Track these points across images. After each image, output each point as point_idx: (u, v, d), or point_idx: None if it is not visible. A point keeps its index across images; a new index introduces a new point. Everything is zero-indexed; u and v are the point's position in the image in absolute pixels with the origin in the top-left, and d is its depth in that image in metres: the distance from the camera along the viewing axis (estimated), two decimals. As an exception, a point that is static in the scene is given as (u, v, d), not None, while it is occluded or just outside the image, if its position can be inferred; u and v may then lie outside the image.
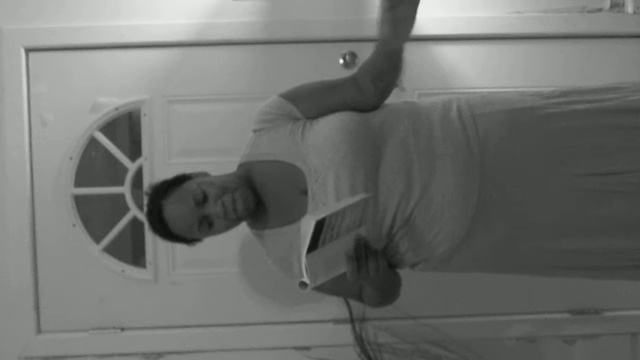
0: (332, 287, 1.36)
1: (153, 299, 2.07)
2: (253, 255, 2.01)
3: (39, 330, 2.05)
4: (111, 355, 2.05)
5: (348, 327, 2.00)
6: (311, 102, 1.36)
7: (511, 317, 2.09)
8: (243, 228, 1.45)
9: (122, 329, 2.06)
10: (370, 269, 1.18)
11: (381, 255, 1.21)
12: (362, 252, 1.18)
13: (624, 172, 1.26)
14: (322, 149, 1.29)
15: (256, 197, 1.36)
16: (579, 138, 1.28)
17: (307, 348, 2.06)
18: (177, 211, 1.33)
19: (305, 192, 1.32)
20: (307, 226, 1.06)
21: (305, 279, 1.10)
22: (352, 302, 1.98)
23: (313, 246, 1.08)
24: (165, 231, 1.36)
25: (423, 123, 1.31)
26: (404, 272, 1.44)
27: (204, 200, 1.31)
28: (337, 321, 2.05)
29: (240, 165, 1.43)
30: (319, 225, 1.06)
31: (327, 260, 1.13)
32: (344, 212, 1.11)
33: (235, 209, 1.31)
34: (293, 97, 1.37)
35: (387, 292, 1.40)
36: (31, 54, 2.03)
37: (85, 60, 2.02)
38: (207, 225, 1.33)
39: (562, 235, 1.29)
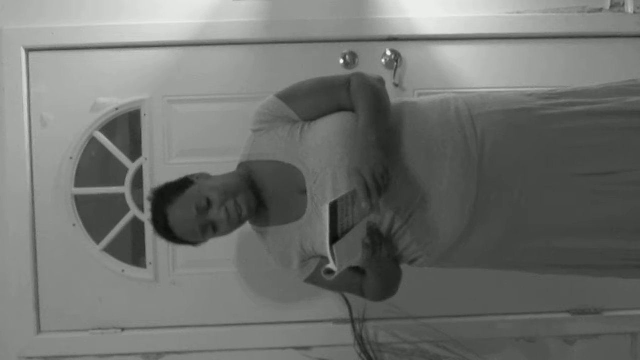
0: (333, 282, 1.38)
1: (153, 299, 2.07)
2: (253, 256, 2.01)
3: (39, 330, 2.05)
4: (111, 355, 2.05)
5: (348, 327, 2.01)
6: (307, 105, 1.36)
7: (511, 317, 2.09)
8: (243, 228, 1.45)
9: (122, 329, 2.06)
10: (383, 253, 1.26)
11: (390, 240, 1.29)
12: (375, 239, 1.25)
13: (623, 171, 1.26)
14: (319, 151, 1.29)
15: (257, 197, 1.37)
16: (577, 139, 1.28)
17: (307, 348, 2.06)
18: (181, 219, 1.35)
19: (304, 192, 1.33)
20: (325, 213, 1.14)
21: (333, 267, 1.16)
22: (353, 302, 1.98)
23: (335, 237, 1.15)
24: (171, 236, 1.39)
25: (421, 124, 1.32)
26: (405, 274, 1.45)
27: (207, 207, 1.33)
28: (337, 321, 2.05)
29: (241, 165, 1.44)
30: (334, 210, 1.12)
31: (348, 248, 1.19)
32: (353, 196, 1.16)
33: (239, 214, 1.33)
34: (289, 99, 1.37)
35: (389, 283, 1.42)
36: (31, 54, 2.03)
37: (85, 60, 2.02)
38: (211, 230, 1.35)
39: (561, 235, 1.29)
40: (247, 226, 1.51)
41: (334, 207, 1.12)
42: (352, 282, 1.43)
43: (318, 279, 1.36)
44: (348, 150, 1.26)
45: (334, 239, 1.14)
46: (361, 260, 1.25)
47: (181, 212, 1.34)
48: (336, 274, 1.18)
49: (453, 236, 1.30)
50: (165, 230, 1.37)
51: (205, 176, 1.43)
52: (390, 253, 1.29)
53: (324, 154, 1.29)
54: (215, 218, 1.33)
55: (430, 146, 1.29)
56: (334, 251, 1.14)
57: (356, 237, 1.21)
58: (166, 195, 1.38)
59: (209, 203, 1.33)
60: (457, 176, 1.27)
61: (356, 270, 1.40)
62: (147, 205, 1.43)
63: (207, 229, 1.34)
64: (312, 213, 1.32)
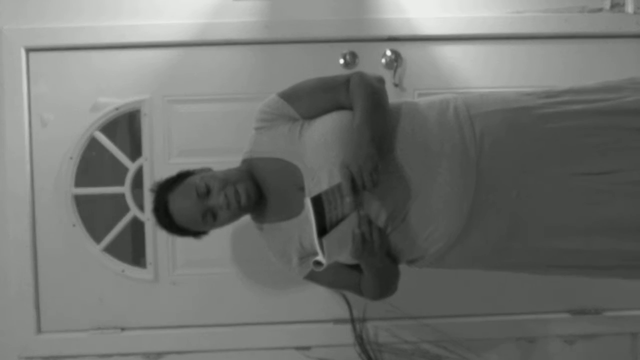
0: (332, 279, 1.39)
1: (153, 299, 2.07)
2: (252, 255, 2.01)
3: (39, 330, 2.05)
4: (111, 355, 2.05)
5: (348, 327, 2.01)
6: (308, 104, 1.38)
7: (511, 317, 2.09)
8: (243, 228, 1.45)
9: (122, 329, 2.06)
10: (374, 244, 1.25)
11: (383, 232, 1.28)
12: (366, 229, 1.25)
13: (621, 170, 1.26)
14: (317, 148, 1.31)
15: (258, 189, 1.39)
16: (576, 138, 1.28)
17: (307, 348, 2.06)
18: (182, 204, 1.36)
19: (303, 189, 1.34)
20: (307, 207, 1.15)
21: (321, 259, 1.17)
22: (353, 302, 1.98)
23: (324, 229, 1.16)
24: (172, 225, 1.40)
25: (419, 123, 1.32)
26: (405, 274, 1.45)
27: (207, 192, 1.35)
28: (337, 321, 2.05)
29: (243, 161, 1.46)
30: (319, 204, 1.14)
31: (338, 240, 1.21)
32: (339, 188, 1.18)
33: (238, 200, 1.34)
34: (291, 97, 1.39)
35: (386, 281, 1.42)
36: (31, 54, 2.03)
37: (85, 60, 2.02)
38: (211, 217, 1.36)
39: (558, 235, 1.29)
40: (247, 226, 1.51)
41: (318, 200, 1.14)
42: (350, 280, 1.44)
43: (317, 276, 1.37)
44: (344, 147, 1.27)
45: (322, 231, 1.16)
46: (352, 251, 1.26)
47: (181, 198, 1.36)
48: (324, 266, 1.19)
49: (450, 236, 1.30)
50: (166, 217, 1.39)
51: (206, 170, 1.46)
52: (383, 244, 1.29)
53: (320, 151, 1.30)
54: (214, 203, 1.35)
55: (428, 145, 1.29)
56: (322, 243, 1.16)
57: (346, 229, 1.23)
58: (167, 184, 1.42)
59: (208, 189, 1.35)
60: (455, 176, 1.27)
61: (354, 268, 1.41)
62: (149, 197, 1.44)
63: (207, 216, 1.36)
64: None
